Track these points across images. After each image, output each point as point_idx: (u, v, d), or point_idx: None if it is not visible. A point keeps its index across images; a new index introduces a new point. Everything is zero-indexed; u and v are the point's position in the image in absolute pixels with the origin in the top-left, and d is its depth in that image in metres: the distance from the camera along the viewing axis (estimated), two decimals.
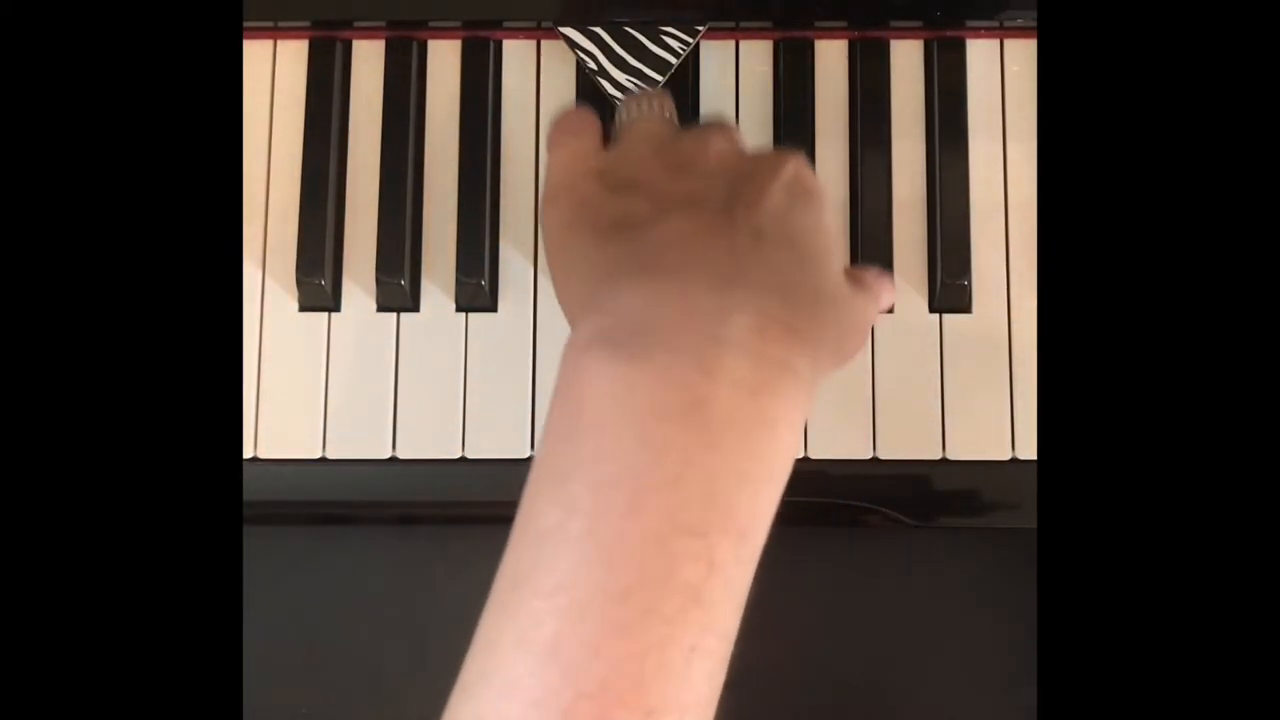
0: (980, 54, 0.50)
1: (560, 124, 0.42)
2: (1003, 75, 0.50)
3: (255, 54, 0.51)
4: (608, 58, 0.49)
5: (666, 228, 0.33)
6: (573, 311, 0.37)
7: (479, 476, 0.48)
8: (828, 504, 0.48)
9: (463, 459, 0.48)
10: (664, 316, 0.31)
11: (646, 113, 0.40)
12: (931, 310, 0.49)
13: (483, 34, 0.51)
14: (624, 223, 0.34)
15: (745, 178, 0.35)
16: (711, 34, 0.50)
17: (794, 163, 0.37)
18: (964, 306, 0.49)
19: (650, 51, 0.49)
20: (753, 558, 0.32)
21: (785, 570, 0.44)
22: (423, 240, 0.50)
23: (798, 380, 0.33)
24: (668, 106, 0.41)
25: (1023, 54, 0.50)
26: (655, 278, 0.32)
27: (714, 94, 0.50)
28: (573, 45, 0.50)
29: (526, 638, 0.30)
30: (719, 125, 0.38)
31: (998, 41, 0.50)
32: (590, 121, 0.41)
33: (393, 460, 0.48)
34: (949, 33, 0.50)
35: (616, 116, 0.42)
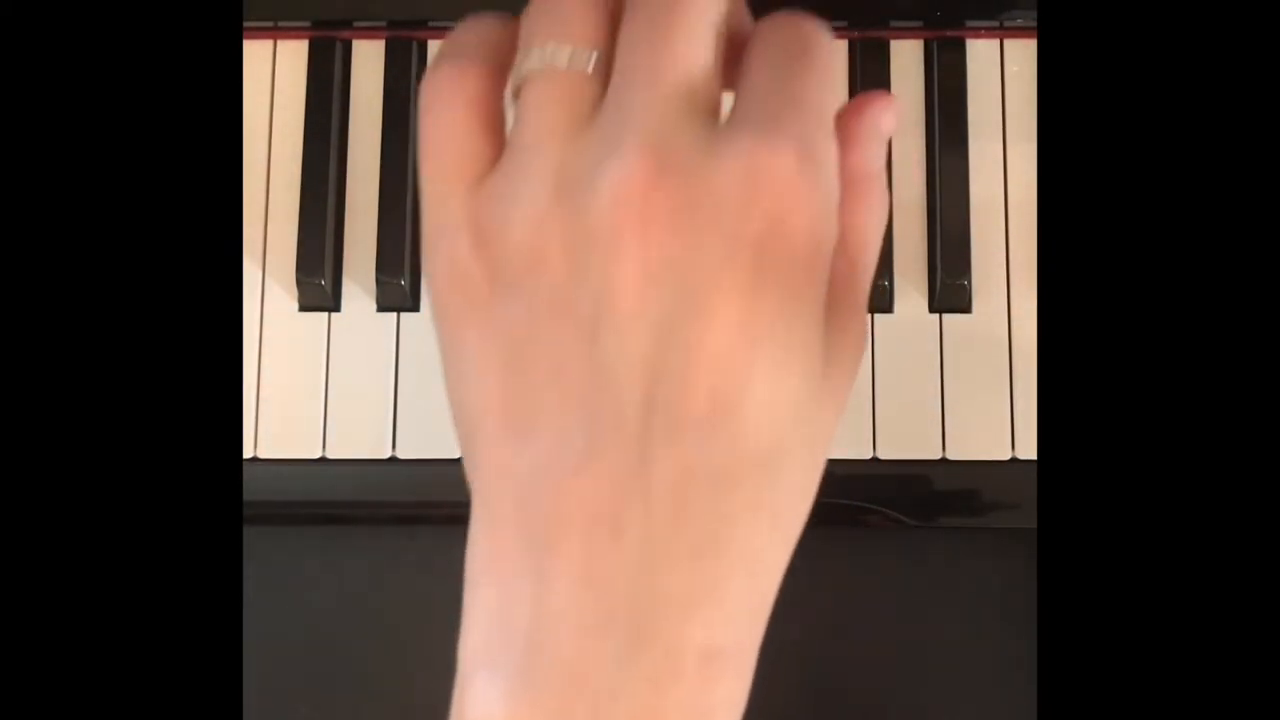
0: (980, 54, 0.50)
1: (435, 79, 0.27)
2: (1003, 75, 0.50)
3: (255, 54, 0.51)
4: None
5: (560, 473, 0.23)
6: (468, 456, 0.28)
7: None
8: (827, 504, 0.47)
9: (462, 459, 0.48)
10: (559, 637, 0.23)
11: (549, 85, 0.25)
12: (931, 310, 0.49)
13: None
14: (510, 370, 0.24)
15: (679, 305, 0.22)
16: None
17: (762, 211, 0.23)
18: (964, 306, 0.49)
19: None
20: None
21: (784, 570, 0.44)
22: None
23: (738, 661, 0.25)
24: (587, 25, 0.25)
25: (1023, 54, 0.50)
26: (535, 578, 0.23)
27: None
28: None
29: None
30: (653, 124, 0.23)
31: (998, 41, 0.50)
32: (484, 76, 0.26)
33: (393, 460, 0.48)
34: (949, 33, 0.50)
35: (513, 72, 0.27)
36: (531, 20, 0.25)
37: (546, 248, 0.23)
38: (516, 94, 0.26)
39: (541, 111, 0.25)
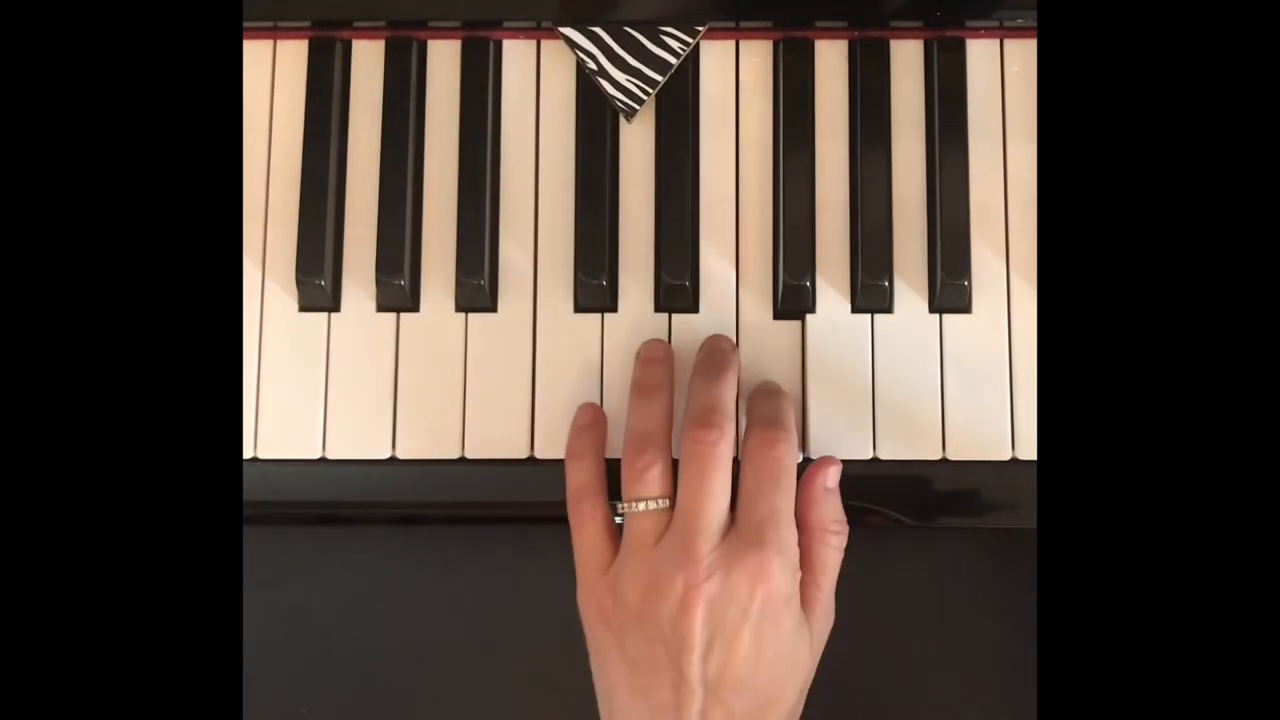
0: (980, 54, 0.50)
1: (580, 510, 0.46)
2: (1003, 75, 0.50)
3: (255, 54, 0.51)
4: (608, 58, 0.49)
5: (664, 715, 0.43)
6: (605, 701, 0.45)
7: (479, 476, 0.48)
8: None
9: (462, 459, 0.48)
10: None
11: (643, 518, 0.45)
12: (931, 310, 0.49)
13: (483, 34, 0.51)
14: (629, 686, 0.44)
15: (718, 638, 0.42)
16: (711, 34, 0.50)
17: (761, 591, 0.42)
18: (964, 306, 0.49)
19: (650, 51, 0.50)
20: None
21: None
22: (423, 240, 0.50)
23: None
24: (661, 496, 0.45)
25: (1023, 54, 0.50)
26: None
27: (714, 94, 0.50)
28: (573, 45, 0.50)
29: None
30: (694, 558, 0.43)
31: (998, 41, 0.50)
32: (598, 479, 0.47)
33: (393, 460, 0.48)
34: (949, 33, 0.50)
35: (623, 509, 0.46)
36: (627, 482, 0.45)
37: (651, 611, 0.43)
38: (623, 519, 0.46)
39: (639, 533, 0.45)
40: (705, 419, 0.44)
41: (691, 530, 0.43)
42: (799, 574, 0.44)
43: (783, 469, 0.44)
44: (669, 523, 0.44)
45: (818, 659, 0.45)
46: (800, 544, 0.45)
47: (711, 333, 0.49)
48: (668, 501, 0.45)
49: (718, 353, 0.47)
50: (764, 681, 0.43)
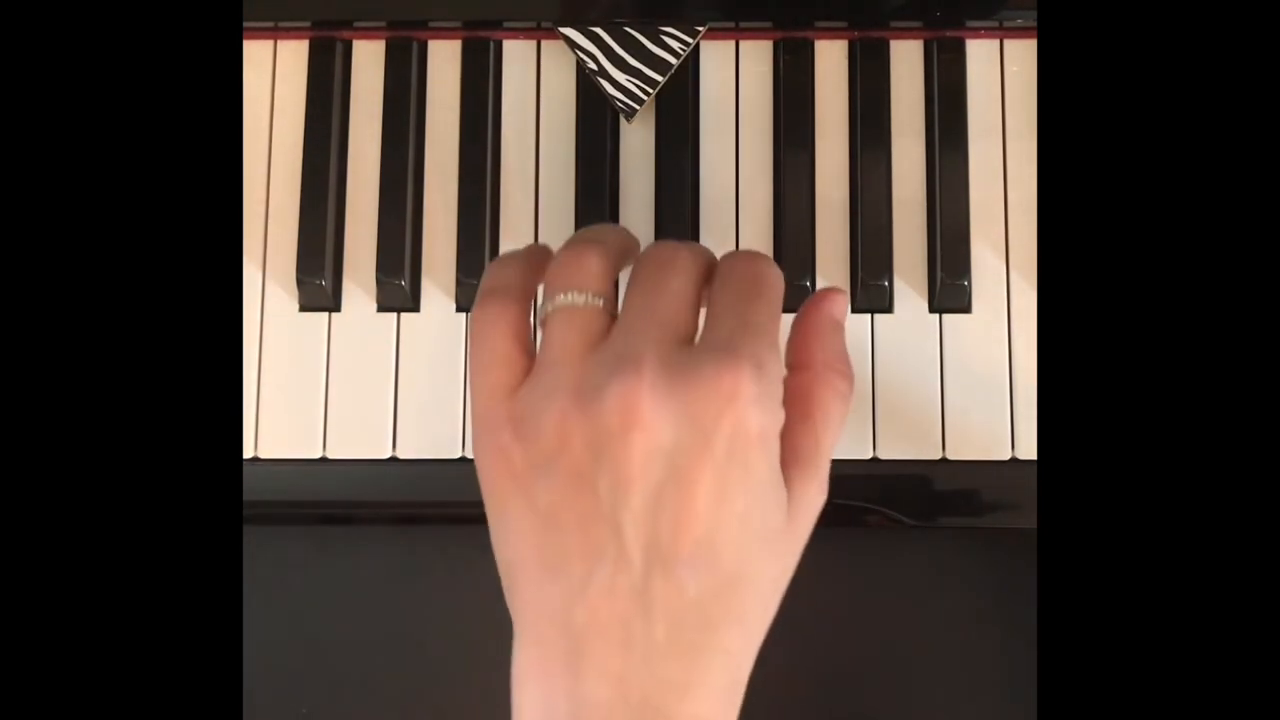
0: (980, 54, 0.50)
1: (483, 312, 0.35)
2: (1003, 75, 0.50)
3: (255, 54, 0.51)
4: (608, 58, 0.49)
5: (586, 599, 0.31)
6: (510, 592, 0.35)
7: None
8: (828, 504, 0.47)
9: (463, 459, 0.48)
10: (592, 716, 0.31)
11: (569, 318, 0.34)
12: (931, 310, 0.49)
13: (483, 34, 0.51)
14: (547, 529, 0.33)
15: (670, 480, 0.31)
16: (711, 34, 0.50)
17: (729, 417, 0.31)
18: (964, 306, 0.49)
19: (650, 51, 0.50)
20: None
21: None
22: (423, 240, 0.50)
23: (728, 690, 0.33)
24: (595, 280, 0.34)
25: (1023, 54, 0.50)
26: (572, 678, 0.32)
27: (714, 94, 0.50)
28: (573, 45, 0.50)
29: None
30: (642, 360, 0.32)
31: (998, 41, 0.50)
32: (517, 316, 0.35)
33: (393, 460, 0.48)
34: (949, 33, 0.50)
35: (540, 307, 0.35)
36: (556, 270, 0.34)
37: (570, 439, 0.31)
38: (543, 323, 0.34)
39: (563, 337, 0.33)
40: (669, 243, 0.35)
41: (637, 330, 0.32)
42: (781, 413, 0.34)
43: (763, 280, 0.34)
44: (605, 329, 0.34)
45: (801, 544, 0.35)
46: (796, 386, 0.36)
47: None
48: (603, 301, 0.34)
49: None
50: (725, 550, 0.32)
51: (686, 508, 0.31)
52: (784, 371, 0.35)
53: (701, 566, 0.31)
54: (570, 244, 0.35)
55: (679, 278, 0.34)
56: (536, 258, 0.36)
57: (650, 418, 0.31)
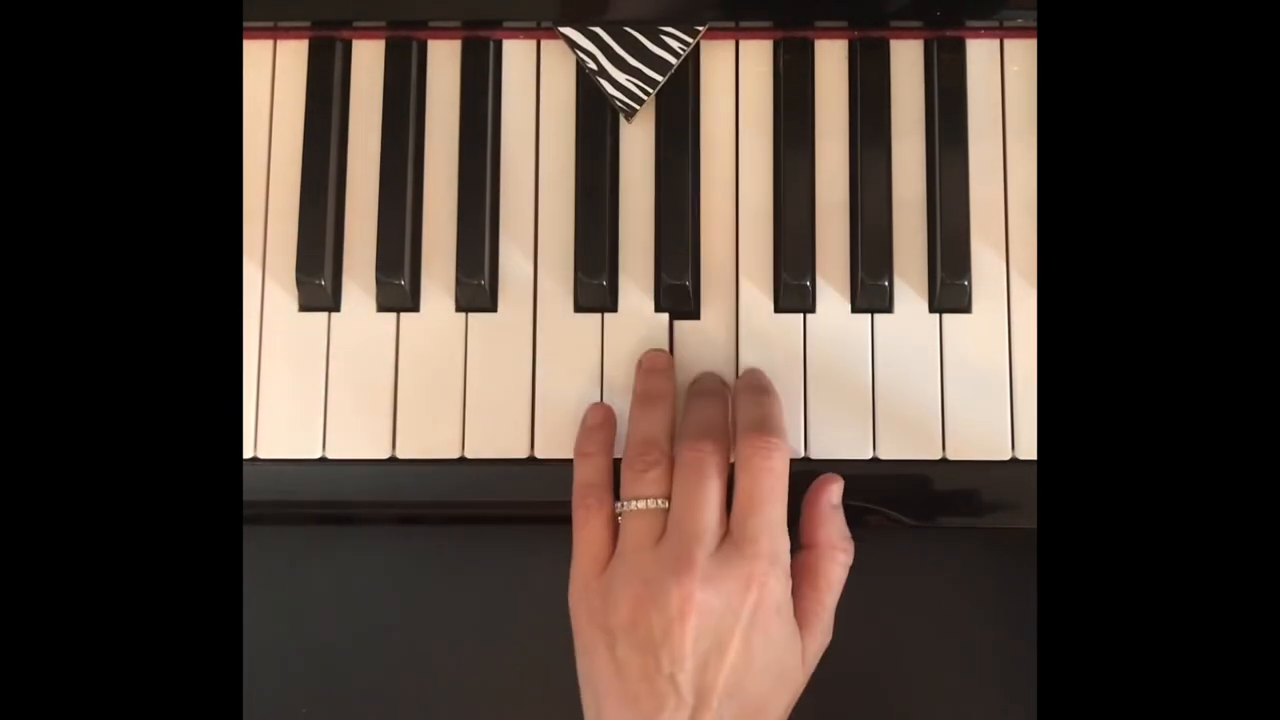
0: (980, 54, 0.50)
1: (584, 506, 0.46)
2: (1003, 75, 0.50)
3: (255, 54, 0.51)
4: (608, 58, 0.49)
5: None
6: (591, 706, 0.45)
7: (478, 476, 0.48)
8: None
9: (462, 459, 0.48)
10: None
11: (640, 517, 0.45)
12: (931, 310, 0.49)
13: (483, 34, 0.51)
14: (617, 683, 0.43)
15: (713, 650, 0.42)
16: (711, 34, 0.50)
17: (753, 598, 0.43)
18: (964, 306, 0.49)
19: (650, 51, 0.50)
20: None
21: None
22: (423, 240, 0.50)
23: None
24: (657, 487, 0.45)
25: (1023, 54, 0.50)
26: None
27: (714, 94, 0.50)
28: (573, 45, 0.50)
29: None
30: (692, 565, 0.43)
31: (998, 41, 0.50)
32: (605, 496, 0.46)
33: (393, 460, 0.48)
34: (949, 33, 0.50)
35: (619, 507, 0.46)
36: (633, 475, 0.45)
37: (642, 616, 0.43)
38: (621, 518, 0.46)
39: (636, 533, 0.45)
40: (701, 431, 0.45)
41: (686, 537, 0.43)
42: (790, 582, 0.44)
43: (776, 477, 0.44)
44: (664, 528, 0.44)
45: (809, 674, 0.45)
46: (806, 561, 0.46)
47: (712, 335, 0.49)
48: (667, 502, 0.45)
49: (711, 378, 0.48)
50: (752, 690, 0.43)
51: (722, 665, 0.42)
52: (788, 544, 0.44)
53: (734, 703, 0.43)
54: (634, 452, 0.46)
55: (711, 485, 0.44)
56: (610, 441, 0.48)
57: (699, 606, 0.42)
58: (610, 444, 0.47)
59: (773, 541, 0.43)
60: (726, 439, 0.45)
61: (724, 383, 0.48)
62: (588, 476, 0.47)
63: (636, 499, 0.45)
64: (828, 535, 0.46)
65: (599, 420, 0.48)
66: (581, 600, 0.45)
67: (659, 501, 0.45)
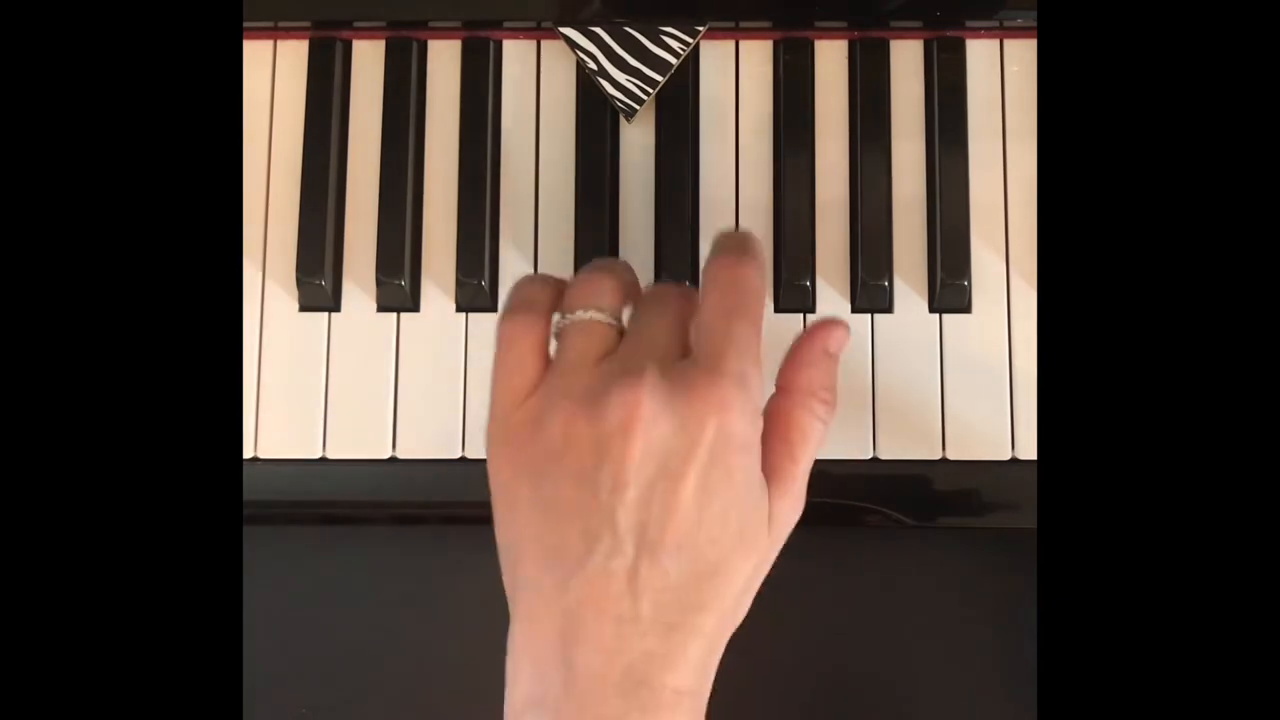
0: (980, 54, 0.50)
1: (509, 325, 0.39)
2: (1003, 75, 0.50)
3: (255, 54, 0.51)
4: (608, 58, 0.49)
5: (582, 579, 0.35)
6: (509, 573, 0.38)
7: (479, 476, 0.48)
8: (828, 504, 0.48)
9: (463, 459, 0.48)
10: (582, 686, 0.35)
11: (585, 330, 0.38)
12: (931, 310, 0.49)
13: (483, 34, 0.51)
14: (552, 517, 0.36)
15: (660, 478, 0.35)
16: (711, 34, 0.50)
17: (714, 424, 0.36)
18: (964, 306, 0.49)
19: (650, 51, 0.50)
20: None
21: (785, 570, 0.44)
22: (423, 240, 0.50)
23: (692, 698, 0.36)
24: (608, 297, 0.39)
25: (1023, 54, 0.50)
26: (565, 648, 0.35)
27: (714, 94, 0.50)
28: (573, 45, 0.50)
29: None
30: (643, 377, 0.36)
31: (998, 41, 0.50)
32: (537, 327, 0.39)
33: (393, 460, 0.48)
34: (949, 33, 0.50)
35: (554, 326, 0.39)
36: (575, 289, 0.39)
37: (576, 438, 0.36)
38: (559, 335, 0.39)
39: (578, 346, 0.38)
40: (668, 284, 0.40)
41: (641, 351, 0.37)
42: (760, 420, 0.38)
43: (749, 292, 0.38)
44: (614, 344, 0.38)
45: (777, 547, 0.39)
46: (778, 406, 0.39)
47: None
48: (616, 321, 0.38)
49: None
50: (705, 542, 0.36)
51: (673, 502, 0.35)
52: (765, 383, 0.38)
53: (683, 555, 0.35)
54: (588, 269, 0.40)
55: (674, 311, 0.39)
56: (558, 281, 0.41)
57: (647, 422, 0.35)
58: (561, 287, 0.41)
59: (740, 361, 0.36)
60: (694, 297, 0.39)
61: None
62: (522, 294, 0.40)
63: (582, 308, 0.38)
64: (809, 379, 0.39)
65: (550, 279, 0.42)
66: (501, 434, 0.38)
67: (607, 316, 0.38)
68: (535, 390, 0.37)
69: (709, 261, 0.39)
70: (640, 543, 0.35)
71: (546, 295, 0.40)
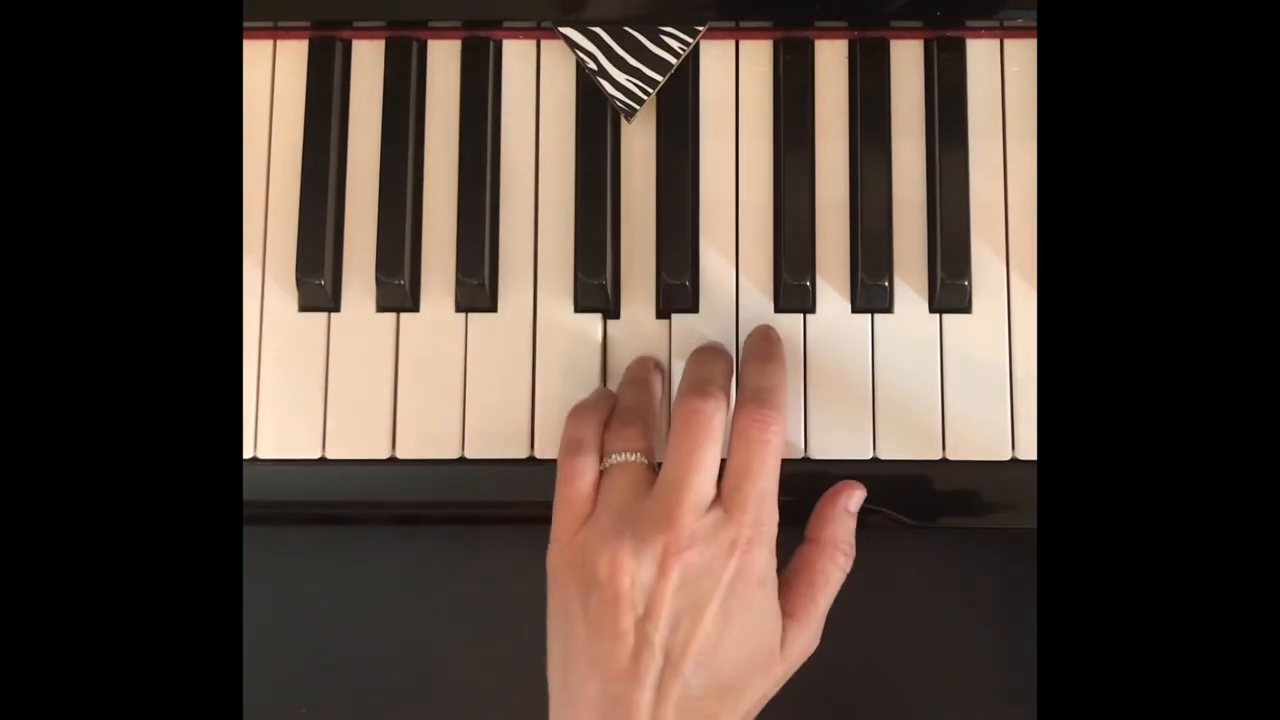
0: (980, 54, 0.50)
1: (569, 464, 0.45)
2: (1003, 75, 0.50)
3: (255, 54, 0.51)
4: (608, 58, 0.49)
5: (619, 687, 0.41)
6: (558, 680, 0.44)
7: (478, 476, 0.48)
8: None
9: (462, 459, 0.48)
10: None
11: (623, 471, 0.44)
12: (931, 310, 0.49)
13: (483, 34, 0.51)
14: (587, 637, 0.43)
15: (688, 609, 0.42)
16: (711, 34, 0.50)
17: (734, 564, 0.42)
18: (964, 306, 0.49)
19: (650, 51, 0.50)
20: None
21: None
22: (423, 240, 0.50)
23: None
24: (643, 447, 0.45)
25: (1023, 54, 0.50)
26: None
27: (714, 94, 0.50)
28: (573, 45, 0.50)
29: None
30: (675, 520, 0.42)
31: (998, 41, 0.50)
32: (590, 465, 0.45)
33: (392, 460, 0.48)
34: (949, 33, 0.50)
35: (605, 459, 0.45)
36: (613, 433, 0.45)
37: (619, 573, 0.42)
38: (604, 472, 0.45)
39: (619, 489, 0.44)
40: (701, 389, 0.44)
41: (677, 497, 0.43)
42: (774, 559, 0.44)
43: (770, 450, 0.44)
44: (646, 485, 0.44)
45: (790, 670, 0.45)
46: (805, 554, 0.46)
47: (711, 334, 0.49)
48: (645, 458, 0.45)
49: (714, 344, 0.48)
50: (725, 663, 0.42)
51: (697, 627, 0.42)
52: (776, 518, 0.44)
53: (703, 671, 0.42)
54: (620, 415, 0.46)
55: (705, 448, 0.43)
56: (606, 406, 0.47)
57: (683, 565, 0.42)
58: (607, 413, 0.47)
59: (760, 511, 0.43)
60: (725, 396, 0.45)
61: (725, 349, 0.48)
62: (580, 434, 0.46)
63: (617, 452, 0.45)
64: (833, 533, 0.46)
65: (601, 393, 0.48)
66: (563, 553, 0.44)
67: (639, 456, 0.45)
68: (588, 520, 0.44)
69: (738, 409, 0.45)
70: (667, 660, 0.41)
71: (598, 434, 0.46)
